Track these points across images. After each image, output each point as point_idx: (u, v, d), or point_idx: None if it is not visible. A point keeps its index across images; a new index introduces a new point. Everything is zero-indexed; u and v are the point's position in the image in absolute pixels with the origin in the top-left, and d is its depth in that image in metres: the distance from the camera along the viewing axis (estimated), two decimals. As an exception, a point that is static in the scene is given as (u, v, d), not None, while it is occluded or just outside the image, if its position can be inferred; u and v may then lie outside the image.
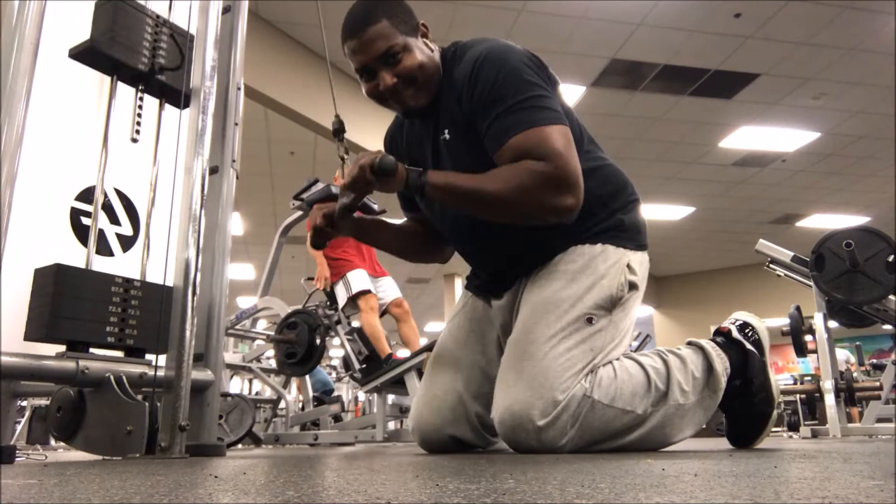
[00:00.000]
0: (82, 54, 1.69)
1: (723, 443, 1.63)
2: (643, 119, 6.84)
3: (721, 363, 1.43)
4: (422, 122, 1.54)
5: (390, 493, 0.58)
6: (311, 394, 4.38)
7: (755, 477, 0.67)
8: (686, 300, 12.71)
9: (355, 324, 3.66)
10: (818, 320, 3.28)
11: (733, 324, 1.54)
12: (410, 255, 1.75)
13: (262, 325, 4.34)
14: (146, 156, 1.86)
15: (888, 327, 3.39)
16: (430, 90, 1.46)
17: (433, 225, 1.65)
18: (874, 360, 6.70)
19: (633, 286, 1.45)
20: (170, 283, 1.61)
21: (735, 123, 6.95)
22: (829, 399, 3.15)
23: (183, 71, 1.80)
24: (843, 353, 6.01)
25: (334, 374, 6.39)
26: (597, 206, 1.45)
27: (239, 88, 2.09)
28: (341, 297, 3.61)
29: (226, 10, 2.08)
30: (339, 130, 1.53)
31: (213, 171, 1.91)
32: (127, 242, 1.96)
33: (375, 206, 3.48)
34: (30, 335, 1.49)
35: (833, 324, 3.40)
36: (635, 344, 5.33)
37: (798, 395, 5.59)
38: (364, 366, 3.38)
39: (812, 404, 5.25)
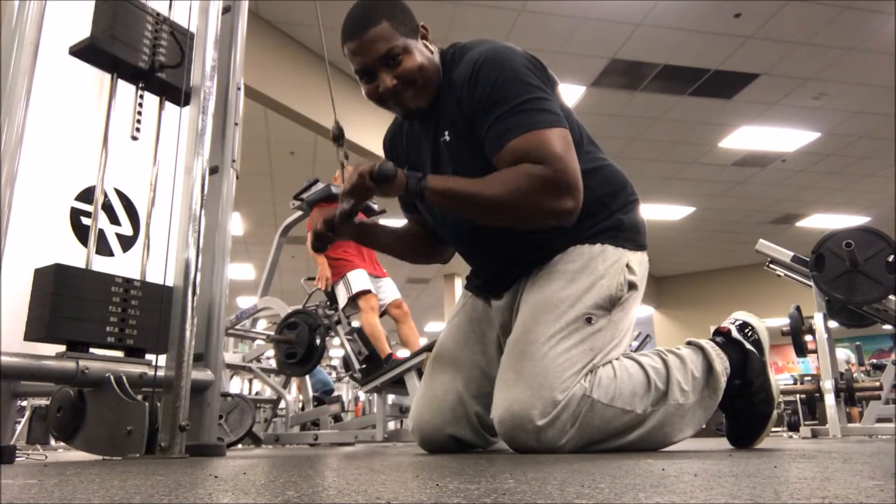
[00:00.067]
0: (83, 51, 1.69)
1: (723, 443, 1.63)
2: (643, 119, 6.84)
3: (721, 363, 1.43)
4: (421, 123, 1.54)
5: (390, 493, 0.58)
6: (311, 394, 4.38)
7: (755, 477, 0.67)
8: (686, 300, 12.71)
9: (355, 324, 3.66)
10: (818, 320, 3.28)
11: (733, 324, 1.54)
12: (411, 257, 1.75)
13: (262, 325, 4.34)
14: (146, 155, 1.86)
15: (888, 327, 3.39)
16: (429, 92, 1.46)
17: (433, 226, 1.65)
18: (874, 360, 6.70)
19: (632, 286, 1.45)
20: (170, 283, 1.61)
21: (735, 123, 6.95)
22: (829, 399, 3.15)
23: (183, 68, 1.80)
24: (843, 353, 6.01)
25: (334, 374, 6.39)
26: (596, 206, 1.45)
27: (239, 88, 2.09)
28: (342, 296, 3.62)
29: (226, 10, 2.08)
30: (338, 136, 1.54)
31: (213, 171, 1.91)
32: (127, 242, 1.96)
33: (376, 207, 3.49)
34: (30, 335, 1.49)
35: (833, 324, 3.40)
36: (635, 344, 5.33)
37: (798, 395, 5.59)
38: (364, 366, 3.38)
39: (812, 404, 5.25)
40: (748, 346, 1.48)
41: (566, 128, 1.35)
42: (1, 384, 1.63)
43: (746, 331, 1.52)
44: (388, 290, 3.87)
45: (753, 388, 1.46)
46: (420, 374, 3.02)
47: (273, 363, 4.06)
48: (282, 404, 4.06)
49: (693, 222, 9.97)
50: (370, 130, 5.46)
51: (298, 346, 3.20)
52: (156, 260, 1.71)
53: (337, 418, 4.50)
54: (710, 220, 10.00)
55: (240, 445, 3.12)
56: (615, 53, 5.68)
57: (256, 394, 6.13)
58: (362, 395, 6.78)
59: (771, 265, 3.60)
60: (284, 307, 3.54)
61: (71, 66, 1.75)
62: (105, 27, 1.68)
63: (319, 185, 3.74)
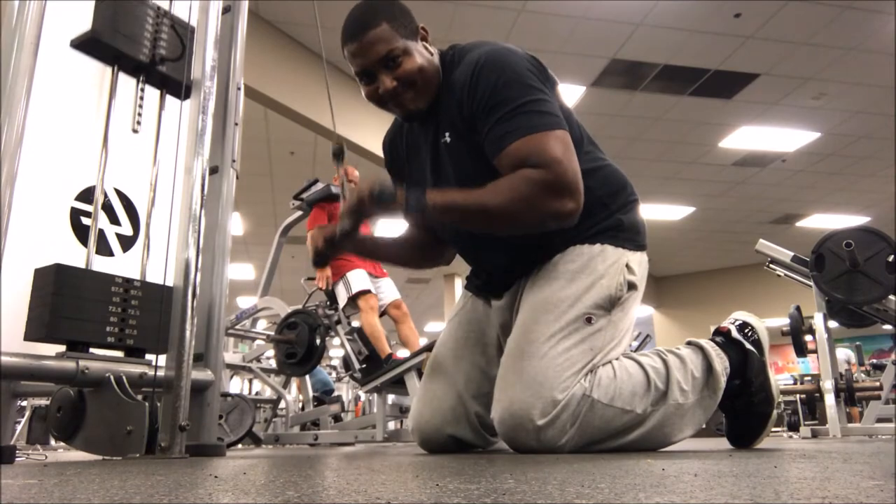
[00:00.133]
0: (84, 44, 1.70)
1: (723, 443, 1.63)
2: (643, 119, 6.84)
3: (720, 363, 1.43)
4: (421, 125, 1.54)
5: (390, 493, 0.58)
6: (311, 394, 4.38)
7: (755, 477, 0.67)
8: (686, 300, 12.71)
9: (355, 324, 3.66)
10: (818, 320, 3.28)
11: (733, 324, 1.54)
12: (413, 264, 1.76)
13: (262, 325, 4.34)
14: (146, 154, 1.86)
15: (888, 327, 3.39)
16: (429, 94, 1.46)
17: (433, 228, 1.65)
18: (874, 360, 6.70)
19: (632, 286, 1.45)
20: (170, 283, 1.61)
21: (735, 123, 6.95)
22: (829, 399, 3.15)
23: (184, 62, 1.80)
24: (843, 353, 6.01)
25: (334, 374, 6.39)
26: (596, 206, 1.45)
27: (239, 88, 2.09)
28: (342, 296, 3.62)
29: (226, 9, 2.08)
30: (338, 154, 1.55)
31: (213, 171, 1.91)
32: (127, 242, 1.95)
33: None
34: (30, 335, 1.49)
35: (833, 324, 3.40)
36: (635, 344, 5.33)
37: (798, 395, 5.59)
38: (364, 366, 3.38)
39: (812, 404, 5.25)
40: (748, 346, 1.48)
41: (566, 129, 1.35)
42: (1, 384, 1.63)
43: (746, 331, 1.52)
44: (388, 291, 3.87)
45: (753, 388, 1.46)
46: (420, 374, 3.02)
47: (273, 363, 4.06)
48: (282, 404, 4.06)
49: (693, 222, 9.97)
50: (370, 130, 5.47)
51: (298, 346, 3.20)
52: (156, 260, 1.71)
53: (337, 418, 4.50)
54: (710, 220, 10.00)
55: (240, 445, 3.12)
56: (615, 53, 5.68)
57: (256, 394, 6.13)
58: (362, 395, 6.78)
59: (771, 265, 3.60)
60: (284, 307, 3.54)
61: (71, 63, 1.75)
62: (106, 20, 1.69)
63: (319, 185, 3.74)
